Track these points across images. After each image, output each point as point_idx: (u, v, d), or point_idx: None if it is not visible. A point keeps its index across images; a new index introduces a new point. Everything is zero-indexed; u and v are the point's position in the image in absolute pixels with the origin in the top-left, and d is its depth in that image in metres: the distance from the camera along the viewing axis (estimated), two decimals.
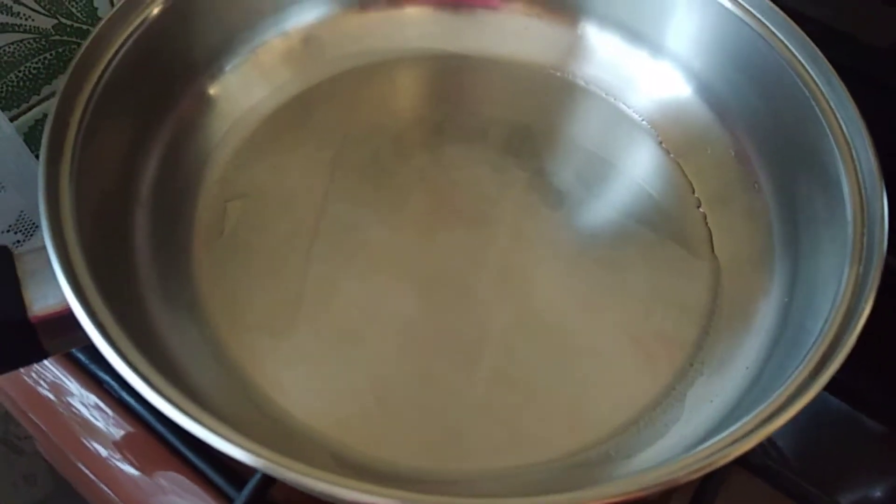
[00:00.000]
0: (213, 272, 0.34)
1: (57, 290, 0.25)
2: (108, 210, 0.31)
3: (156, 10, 0.33)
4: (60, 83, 0.29)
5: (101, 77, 0.30)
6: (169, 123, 0.35)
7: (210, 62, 0.37)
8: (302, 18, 0.40)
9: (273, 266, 0.35)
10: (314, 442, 0.31)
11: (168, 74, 0.35)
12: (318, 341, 0.33)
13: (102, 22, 0.31)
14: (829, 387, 0.35)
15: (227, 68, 0.38)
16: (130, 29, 0.32)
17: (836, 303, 0.28)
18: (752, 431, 0.25)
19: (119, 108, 0.32)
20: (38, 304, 0.26)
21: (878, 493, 0.37)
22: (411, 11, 0.42)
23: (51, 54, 0.37)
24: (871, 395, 0.39)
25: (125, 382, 0.24)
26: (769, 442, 0.36)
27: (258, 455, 0.23)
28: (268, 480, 0.31)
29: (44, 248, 0.26)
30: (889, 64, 0.46)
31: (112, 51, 0.31)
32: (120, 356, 0.24)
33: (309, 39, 0.40)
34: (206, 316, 0.33)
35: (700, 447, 0.25)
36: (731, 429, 0.25)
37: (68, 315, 0.25)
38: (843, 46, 0.47)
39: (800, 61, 0.35)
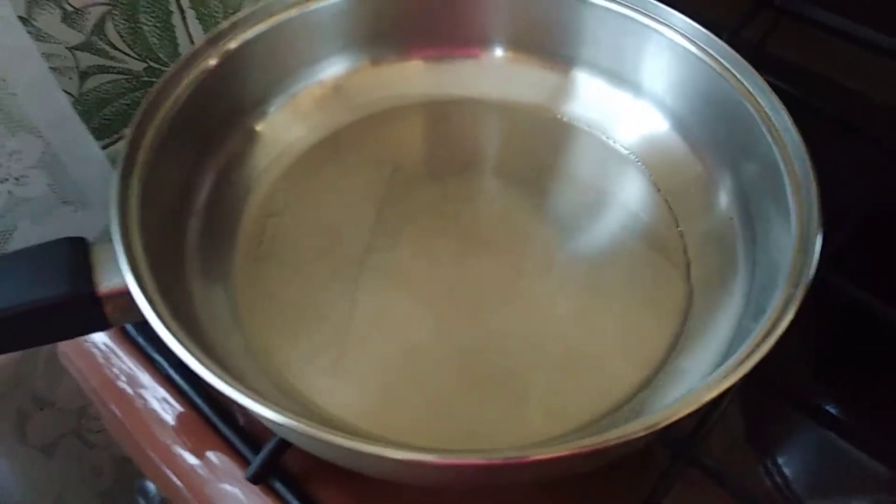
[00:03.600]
0: (248, 274, 0.40)
1: (120, 273, 0.32)
2: (168, 216, 0.38)
3: (212, 63, 0.40)
4: (137, 112, 0.36)
5: (169, 111, 0.38)
6: (221, 153, 0.42)
7: (257, 104, 0.44)
8: (333, 70, 0.47)
9: (299, 274, 0.41)
10: (333, 423, 0.35)
11: (221, 113, 0.42)
12: (336, 339, 0.38)
13: (171, 68, 0.38)
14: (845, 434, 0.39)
15: (272, 110, 0.45)
16: (194, 74, 0.39)
17: (765, 320, 0.31)
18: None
19: (182, 137, 0.39)
20: (105, 283, 0.32)
21: None
22: (417, 63, 0.49)
23: (140, 93, 0.44)
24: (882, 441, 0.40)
25: (172, 355, 0.29)
26: (776, 468, 0.39)
27: (280, 412, 0.27)
28: (283, 445, 0.36)
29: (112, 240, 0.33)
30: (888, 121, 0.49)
31: (178, 91, 0.38)
32: (165, 326, 0.30)
33: (339, 87, 0.47)
34: (239, 310, 0.39)
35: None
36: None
37: (127, 293, 0.31)
38: (845, 100, 0.51)
39: (760, 104, 0.39)
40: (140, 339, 0.43)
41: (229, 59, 0.41)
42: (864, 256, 0.45)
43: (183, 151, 0.39)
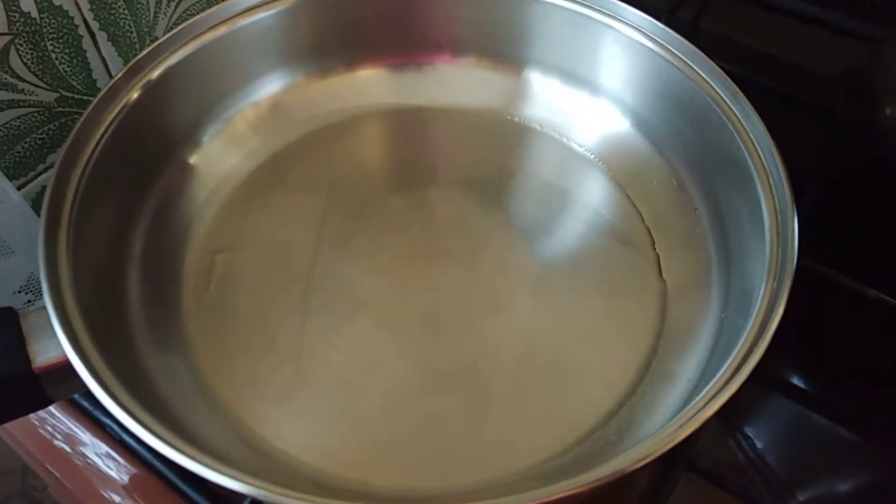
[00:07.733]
0: (201, 321, 0.37)
1: (58, 344, 0.29)
2: (103, 270, 0.34)
3: (135, 95, 0.37)
4: (56, 162, 0.33)
5: (91, 155, 0.34)
6: (155, 191, 0.39)
7: (189, 134, 0.41)
8: (269, 88, 0.44)
9: (257, 312, 0.38)
10: (297, 471, 0.33)
11: (151, 148, 0.39)
12: (299, 378, 0.36)
13: (89, 108, 0.35)
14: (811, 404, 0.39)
15: (205, 138, 0.42)
16: (115, 112, 0.36)
17: (755, 313, 0.31)
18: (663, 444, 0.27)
19: (109, 181, 0.35)
20: (41, 357, 0.29)
21: (842, 489, 0.39)
22: (367, 73, 0.46)
23: (54, 125, 0.40)
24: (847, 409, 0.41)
25: (123, 424, 0.27)
26: (747, 441, 0.39)
27: (241, 480, 0.25)
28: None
29: (45, 307, 0.30)
30: (837, 92, 0.49)
31: (99, 132, 0.35)
32: (112, 398, 0.27)
33: (277, 106, 0.44)
34: (195, 361, 0.36)
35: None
36: (660, 431, 0.28)
37: (67, 365, 0.28)
38: (792, 76, 0.51)
39: (720, 95, 0.38)
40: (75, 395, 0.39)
41: (152, 89, 0.37)
42: (823, 228, 0.45)
43: (112, 197, 0.36)
